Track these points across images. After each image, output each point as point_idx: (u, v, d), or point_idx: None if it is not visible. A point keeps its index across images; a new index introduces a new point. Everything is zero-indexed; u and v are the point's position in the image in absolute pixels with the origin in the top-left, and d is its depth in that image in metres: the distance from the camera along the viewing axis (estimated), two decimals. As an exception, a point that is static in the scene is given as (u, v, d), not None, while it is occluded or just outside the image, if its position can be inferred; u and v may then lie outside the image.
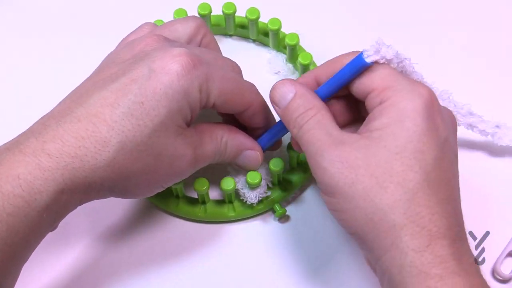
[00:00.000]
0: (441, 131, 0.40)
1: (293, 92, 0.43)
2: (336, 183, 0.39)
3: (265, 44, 0.59)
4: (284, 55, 0.58)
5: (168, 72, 0.41)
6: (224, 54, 0.50)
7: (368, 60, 0.41)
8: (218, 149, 0.46)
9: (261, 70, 0.59)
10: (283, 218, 0.52)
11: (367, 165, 0.39)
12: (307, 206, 0.53)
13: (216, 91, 0.44)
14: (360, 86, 0.42)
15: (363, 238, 0.40)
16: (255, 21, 0.56)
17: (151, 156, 0.42)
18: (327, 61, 0.45)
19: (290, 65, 0.58)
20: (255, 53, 0.59)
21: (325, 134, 0.41)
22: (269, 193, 0.51)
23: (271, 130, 0.49)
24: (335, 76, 0.43)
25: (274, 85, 0.44)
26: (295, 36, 0.55)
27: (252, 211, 0.52)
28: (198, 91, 0.42)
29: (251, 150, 0.49)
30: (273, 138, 0.49)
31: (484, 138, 0.53)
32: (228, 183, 0.50)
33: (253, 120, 0.48)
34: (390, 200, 0.38)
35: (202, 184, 0.49)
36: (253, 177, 0.50)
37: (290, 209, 0.53)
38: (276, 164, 0.50)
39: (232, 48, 0.59)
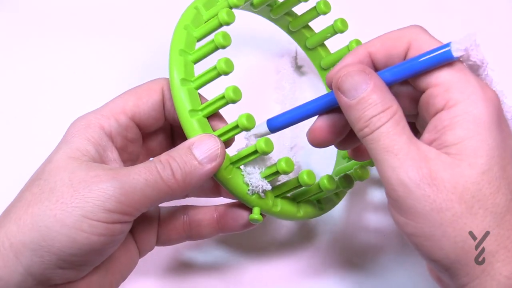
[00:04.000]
0: (510, 138, 0.37)
1: (369, 84, 0.37)
2: (422, 207, 0.35)
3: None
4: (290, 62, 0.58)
5: None
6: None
7: (456, 54, 0.36)
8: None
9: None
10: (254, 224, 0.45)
11: (454, 188, 0.35)
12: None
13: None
14: (422, 75, 0.37)
15: (448, 265, 0.36)
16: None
17: None
18: (381, 37, 0.40)
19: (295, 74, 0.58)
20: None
21: (406, 143, 0.36)
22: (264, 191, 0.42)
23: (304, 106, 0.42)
24: (409, 63, 0.37)
25: (344, 68, 0.38)
26: (345, 22, 0.51)
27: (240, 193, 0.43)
28: None
29: (201, 139, 0.40)
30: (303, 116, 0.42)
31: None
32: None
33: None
34: (481, 227, 0.35)
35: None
36: (289, 163, 0.41)
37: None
38: (329, 182, 0.43)
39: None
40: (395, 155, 0.36)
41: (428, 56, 0.36)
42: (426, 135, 0.37)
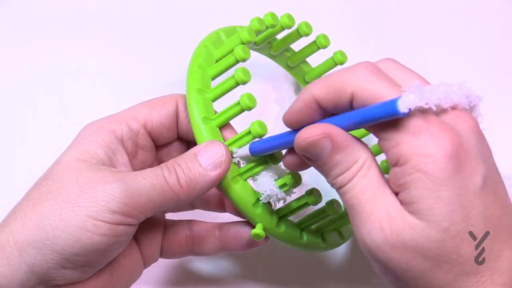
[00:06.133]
0: (476, 175, 0.35)
1: (331, 146, 0.36)
2: (386, 267, 0.35)
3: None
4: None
5: None
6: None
7: (403, 111, 0.33)
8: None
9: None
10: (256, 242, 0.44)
11: (416, 248, 0.34)
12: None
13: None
14: (373, 127, 0.36)
15: None
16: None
17: None
18: (325, 82, 0.37)
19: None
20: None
21: (371, 200, 0.35)
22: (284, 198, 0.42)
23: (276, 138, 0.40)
24: (356, 115, 0.36)
25: (305, 137, 0.36)
26: (345, 55, 0.51)
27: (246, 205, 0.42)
28: None
29: (207, 145, 0.41)
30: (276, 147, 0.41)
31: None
32: None
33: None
34: (447, 278, 0.35)
35: None
36: (297, 177, 0.41)
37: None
38: (335, 205, 0.44)
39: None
40: (360, 214, 0.35)
41: (374, 112, 0.34)
42: (391, 185, 0.36)
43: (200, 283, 0.52)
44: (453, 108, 0.36)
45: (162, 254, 0.46)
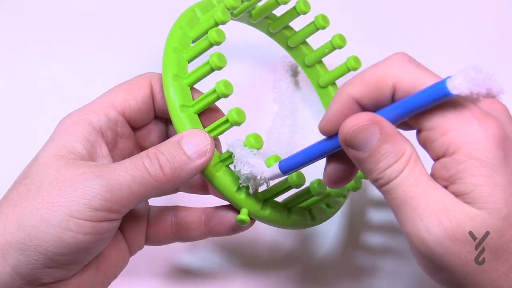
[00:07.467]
0: None
1: (380, 134, 0.34)
2: (446, 263, 0.34)
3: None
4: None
5: None
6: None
7: (455, 91, 0.32)
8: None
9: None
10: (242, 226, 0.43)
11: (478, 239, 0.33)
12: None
13: None
14: (415, 117, 0.35)
15: None
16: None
17: None
18: (362, 78, 0.36)
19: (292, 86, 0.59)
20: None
21: (424, 194, 0.34)
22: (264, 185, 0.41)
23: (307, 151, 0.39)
24: (402, 104, 0.34)
25: (352, 124, 0.34)
26: (343, 37, 0.52)
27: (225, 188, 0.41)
28: None
29: (191, 133, 0.40)
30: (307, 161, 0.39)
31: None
32: None
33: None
34: (504, 268, 0.34)
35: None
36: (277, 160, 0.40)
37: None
38: (320, 186, 0.42)
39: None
40: (414, 209, 0.34)
41: (423, 96, 0.33)
42: (438, 180, 0.34)
43: (189, 274, 0.52)
44: (485, 96, 0.35)
45: (148, 242, 0.45)
